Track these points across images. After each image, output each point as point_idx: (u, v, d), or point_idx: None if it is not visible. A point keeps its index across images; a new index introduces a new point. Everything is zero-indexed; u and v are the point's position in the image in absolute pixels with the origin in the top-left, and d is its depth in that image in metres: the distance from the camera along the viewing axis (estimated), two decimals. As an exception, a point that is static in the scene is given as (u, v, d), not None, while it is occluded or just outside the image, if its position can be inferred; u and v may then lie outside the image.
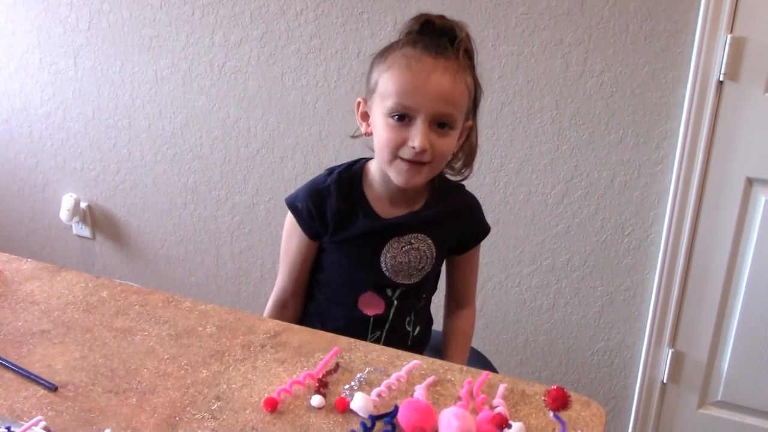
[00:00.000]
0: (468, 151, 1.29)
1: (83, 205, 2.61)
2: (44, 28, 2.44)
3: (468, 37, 1.19)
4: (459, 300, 1.42)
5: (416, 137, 1.12)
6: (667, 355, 1.99)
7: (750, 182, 1.80)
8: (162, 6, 2.24)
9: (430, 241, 1.27)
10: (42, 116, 2.56)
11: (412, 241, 1.26)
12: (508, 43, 1.89)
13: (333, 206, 1.24)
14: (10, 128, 2.63)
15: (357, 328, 1.28)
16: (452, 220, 1.30)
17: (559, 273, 2.04)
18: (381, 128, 1.15)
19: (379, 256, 1.25)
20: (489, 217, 2.00)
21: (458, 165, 1.30)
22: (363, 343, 1.05)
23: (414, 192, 1.24)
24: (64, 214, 2.60)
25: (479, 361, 1.49)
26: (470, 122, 1.24)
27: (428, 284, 1.33)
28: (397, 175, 1.17)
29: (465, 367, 1.00)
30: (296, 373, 0.98)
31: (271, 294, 1.36)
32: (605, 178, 1.91)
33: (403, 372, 0.97)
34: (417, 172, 1.16)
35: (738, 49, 1.70)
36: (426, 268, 1.28)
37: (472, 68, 1.20)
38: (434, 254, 1.28)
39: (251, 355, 1.02)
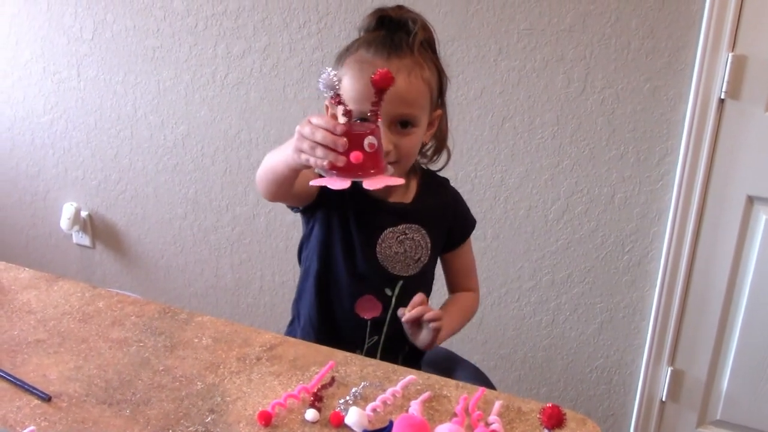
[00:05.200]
0: (439, 138, 1.30)
1: (84, 214, 2.61)
2: (48, 38, 2.44)
3: (424, 27, 1.19)
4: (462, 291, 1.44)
5: None
6: (667, 373, 1.98)
7: (751, 200, 1.80)
8: (165, 17, 2.24)
9: (424, 232, 1.28)
10: (44, 125, 2.57)
11: (407, 231, 1.27)
12: (510, 59, 1.89)
13: None
14: (13, 136, 2.64)
15: (354, 331, 1.27)
16: (442, 211, 1.32)
17: (559, 289, 2.04)
18: None
19: (375, 248, 1.25)
20: (489, 232, 2.03)
21: (429, 152, 1.31)
22: (359, 357, 1.05)
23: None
24: (64, 223, 2.60)
25: (477, 376, 1.48)
26: (439, 111, 1.25)
27: (425, 278, 1.32)
28: None
29: (461, 383, 0.99)
30: (291, 386, 0.97)
31: None
32: (606, 195, 1.91)
33: (398, 387, 0.96)
34: None
35: (739, 67, 1.70)
36: (422, 259, 1.29)
37: (431, 59, 1.20)
38: (429, 244, 1.29)
39: (246, 368, 1.01)
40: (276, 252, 2.34)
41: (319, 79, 0.97)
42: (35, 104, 2.55)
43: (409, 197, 1.29)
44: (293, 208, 1.30)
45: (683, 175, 1.81)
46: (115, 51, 2.36)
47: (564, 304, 2.05)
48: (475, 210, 1.40)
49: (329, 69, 0.97)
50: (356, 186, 1.24)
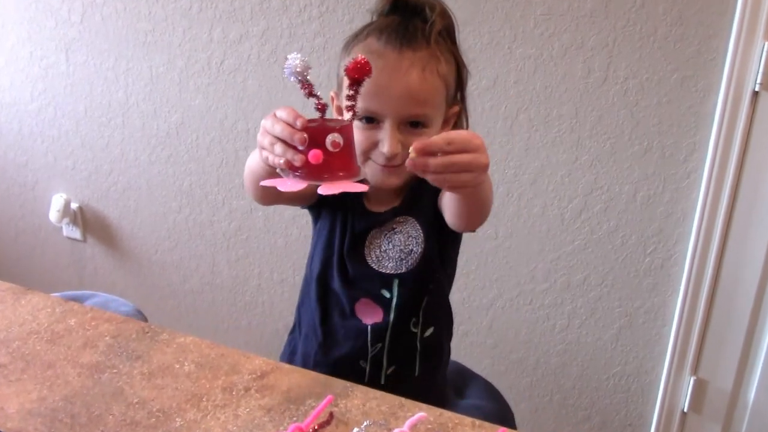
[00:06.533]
0: None
1: (74, 206, 2.50)
2: (35, 21, 2.32)
3: (442, 14, 1.08)
4: None
5: (384, 143, 1.02)
6: (689, 382, 1.87)
7: (785, 201, 1.68)
8: (158, -1, 2.12)
9: (412, 219, 1.15)
10: (32, 112, 2.45)
11: (394, 226, 1.15)
12: (526, 46, 1.77)
13: None
14: (-1, 124, 2.53)
15: (356, 339, 1.17)
16: (430, 194, 1.15)
17: (575, 292, 1.92)
18: None
19: (363, 250, 1.15)
20: (501, 231, 1.91)
21: None
22: (361, 388, 0.93)
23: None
24: (53, 215, 2.49)
25: (490, 393, 1.37)
26: (456, 107, 1.13)
27: (426, 273, 1.17)
28: (371, 177, 1.08)
29: (477, 421, 0.87)
30: (283, 424, 0.85)
31: None
32: (627, 193, 1.79)
33: (406, 426, 0.84)
34: (392, 174, 1.07)
35: (776, 57, 1.58)
36: (416, 250, 1.15)
37: (449, 50, 1.08)
38: (421, 231, 1.15)
39: (233, 401, 0.89)
40: (275, 248, 2.23)
41: (284, 67, 0.84)
42: (22, 91, 2.44)
43: (402, 197, 1.16)
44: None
45: (712, 172, 1.69)
46: (105, 35, 2.24)
47: (580, 308, 1.93)
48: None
49: (295, 54, 0.85)
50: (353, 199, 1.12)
